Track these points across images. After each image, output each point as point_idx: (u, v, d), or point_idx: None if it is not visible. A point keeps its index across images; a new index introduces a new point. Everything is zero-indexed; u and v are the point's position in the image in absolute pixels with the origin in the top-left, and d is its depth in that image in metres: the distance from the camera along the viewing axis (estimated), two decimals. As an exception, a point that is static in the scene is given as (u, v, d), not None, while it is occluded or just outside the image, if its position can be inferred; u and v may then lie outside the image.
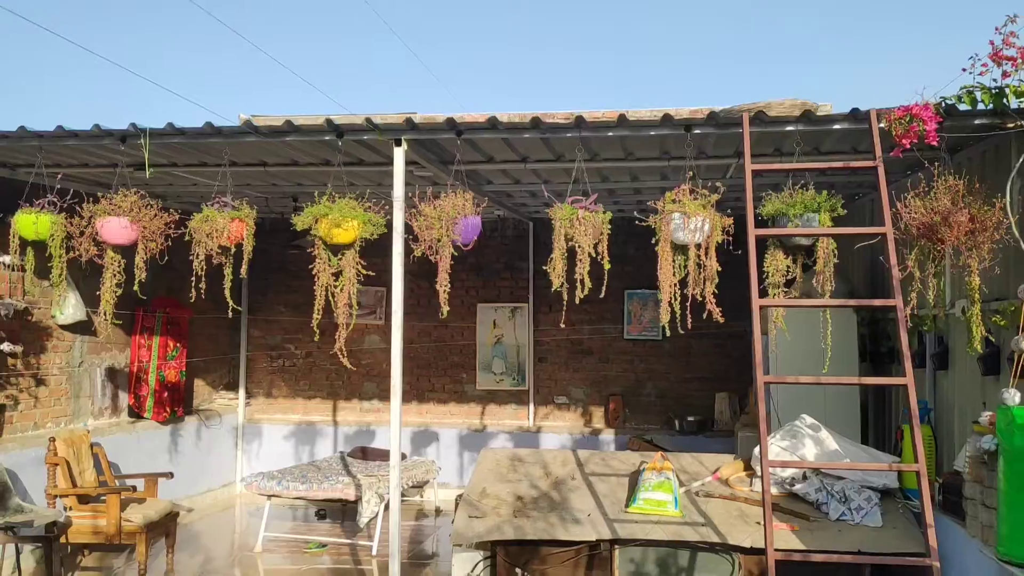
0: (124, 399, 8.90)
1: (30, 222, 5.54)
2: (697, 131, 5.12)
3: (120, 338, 8.75)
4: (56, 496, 6.84)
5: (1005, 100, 4.42)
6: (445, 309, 5.10)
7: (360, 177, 6.82)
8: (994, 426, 4.42)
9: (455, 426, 10.38)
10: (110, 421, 8.63)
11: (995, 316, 4.71)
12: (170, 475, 7.79)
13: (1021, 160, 4.43)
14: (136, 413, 8.90)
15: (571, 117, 5.35)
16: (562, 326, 7.68)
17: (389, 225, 5.36)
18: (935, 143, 4.25)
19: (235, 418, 10.64)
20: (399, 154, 5.27)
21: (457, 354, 10.58)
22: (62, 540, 6.63)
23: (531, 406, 10.37)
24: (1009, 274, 4.70)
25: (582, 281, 4.96)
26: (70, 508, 6.85)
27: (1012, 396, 4.35)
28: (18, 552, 6.57)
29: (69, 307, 7.77)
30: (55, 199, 5.70)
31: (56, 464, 6.91)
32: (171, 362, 9.16)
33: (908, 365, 4.19)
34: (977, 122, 4.66)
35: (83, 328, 8.09)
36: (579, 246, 5.00)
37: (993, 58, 4.41)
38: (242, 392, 10.81)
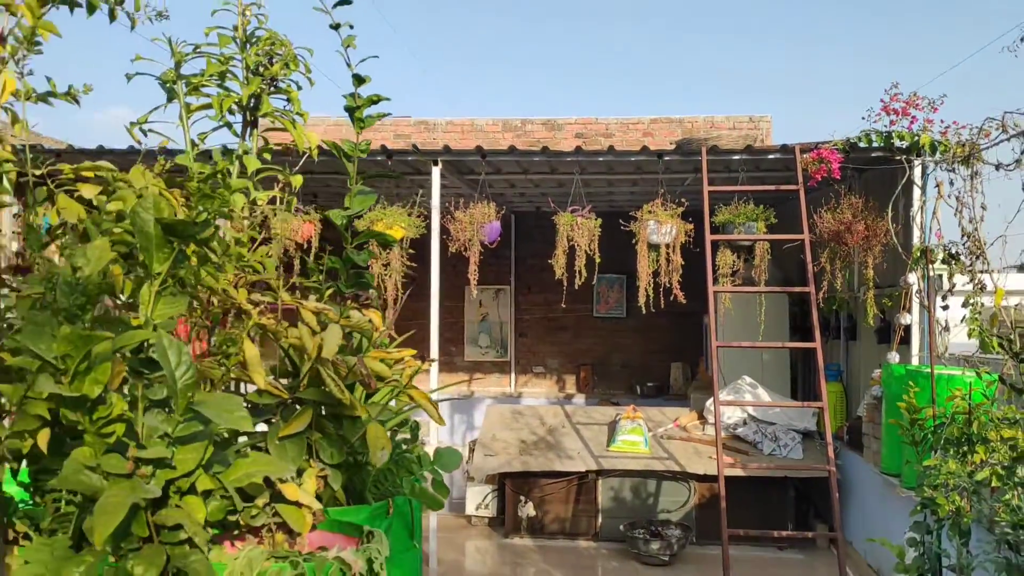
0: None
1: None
2: (667, 157, 6.68)
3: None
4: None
5: (891, 141, 6.08)
6: (475, 292, 6.61)
7: (402, 187, 8.27)
8: (881, 380, 6.13)
9: (446, 392, 11.90)
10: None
11: (885, 299, 6.40)
12: None
13: (901, 185, 6.10)
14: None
15: (573, 146, 6.87)
16: (563, 305, 9.19)
17: (427, 227, 6.84)
18: (838, 176, 5.89)
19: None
20: (436, 172, 6.74)
21: (448, 330, 12.06)
22: None
23: (512, 375, 11.95)
24: (895, 268, 6.38)
25: (579, 271, 6.52)
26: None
27: (893, 357, 6.05)
28: None
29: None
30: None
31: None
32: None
33: (817, 335, 5.85)
34: (873, 155, 6.30)
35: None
36: (577, 244, 6.56)
37: (883, 110, 6.08)
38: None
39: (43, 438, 1.41)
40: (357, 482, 1.87)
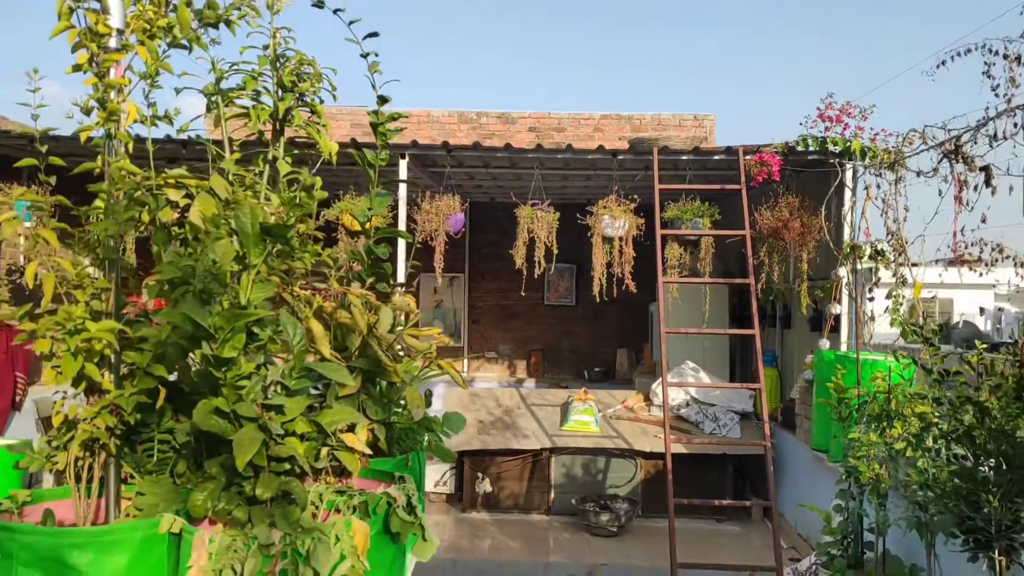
0: None
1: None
2: (620, 156, 7.14)
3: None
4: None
5: (826, 145, 6.64)
6: (439, 279, 6.99)
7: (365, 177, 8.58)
8: (813, 364, 6.70)
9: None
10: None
11: (817, 291, 6.97)
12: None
13: (834, 186, 6.67)
14: None
15: (532, 144, 7.28)
16: (522, 294, 9.59)
17: (393, 217, 7.18)
18: (778, 178, 6.42)
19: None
20: (403, 165, 7.09)
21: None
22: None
23: (466, 360, 12.35)
24: (827, 262, 6.95)
25: (538, 261, 6.95)
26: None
27: (824, 343, 6.62)
28: None
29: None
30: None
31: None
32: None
33: (756, 322, 6.38)
34: (809, 158, 6.85)
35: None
36: (536, 236, 6.98)
37: (819, 117, 6.62)
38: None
39: (161, 395, 1.78)
40: (386, 438, 2.26)
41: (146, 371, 1.73)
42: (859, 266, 6.17)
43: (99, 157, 1.89)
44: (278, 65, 2.59)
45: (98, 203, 1.89)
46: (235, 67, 2.64)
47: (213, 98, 2.55)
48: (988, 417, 3.18)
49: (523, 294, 12.10)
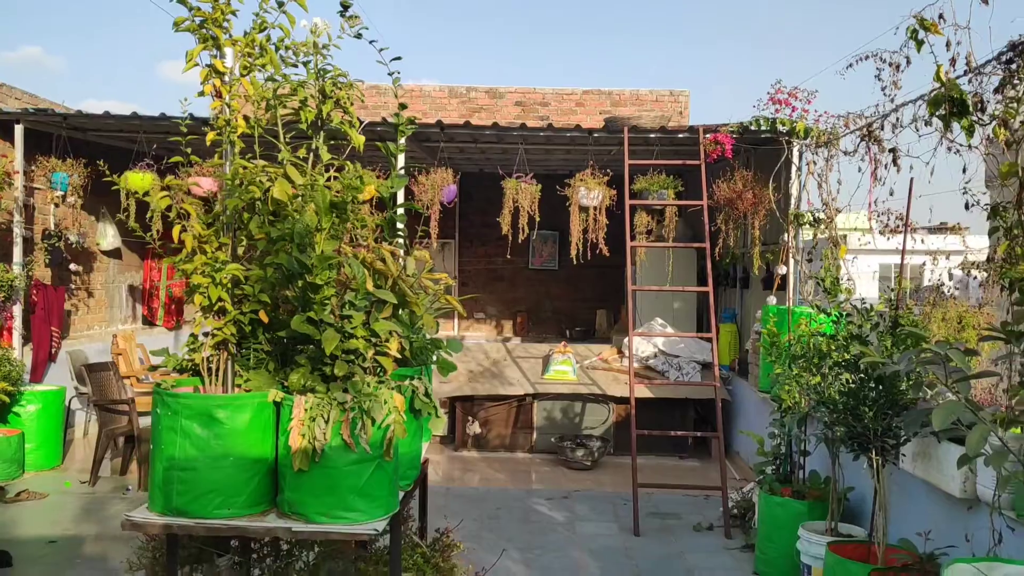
0: (139, 310, 11.24)
1: (138, 178, 7.93)
2: (596, 134, 8.01)
3: (135, 262, 11.04)
4: (123, 377, 9.27)
5: (776, 125, 7.53)
6: (435, 245, 7.88)
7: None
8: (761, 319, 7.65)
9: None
10: (131, 327, 10.97)
11: (768, 254, 7.91)
12: (156, 369, 10.28)
13: (781, 162, 7.57)
14: (149, 321, 11.26)
15: (515, 123, 8.13)
16: (508, 258, 10.48)
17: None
18: (730, 156, 7.31)
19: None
20: (401, 141, 7.92)
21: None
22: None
23: (456, 320, 13.27)
24: (776, 229, 7.88)
25: (522, 228, 7.84)
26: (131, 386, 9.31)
27: (771, 299, 7.58)
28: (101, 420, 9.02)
29: (109, 237, 10.05)
30: (151, 161, 8.10)
31: (119, 354, 9.34)
32: (177, 281, 11.52)
33: (710, 281, 7.31)
34: (761, 136, 7.75)
35: (115, 254, 10.39)
36: (520, 206, 7.87)
37: (770, 100, 7.51)
38: (218, 308, 13.21)
39: (264, 315, 2.68)
40: (410, 349, 3.17)
41: (257, 298, 2.64)
42: (800, 232, 7.10)
43: (216, 155, 2.78)
44: (321, 78, 3.47)
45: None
46: (287, 80, 3.52)
47: (273, 102, 3.43)
48: (866, 348, 4.12)
49: (509, 258, 13.02)
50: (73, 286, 9.56)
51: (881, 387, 4.21)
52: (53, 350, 8.87)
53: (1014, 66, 3.84)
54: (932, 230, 7.39)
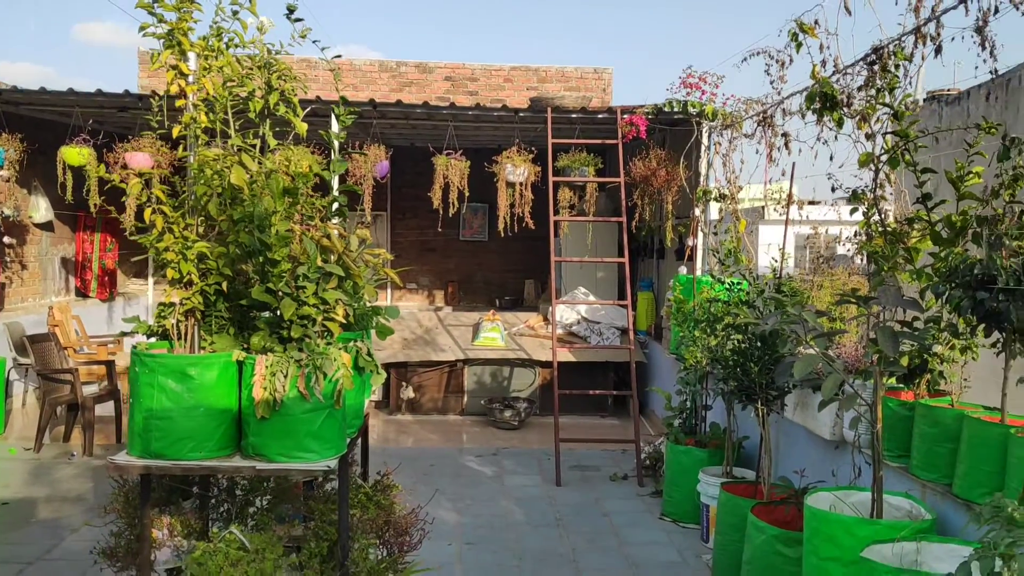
0: (72, 282, 11.34)
1: (75, 153, 8.11)
2: (521, 114, 8.48)
3: (67, 234, 11.13)
4: (64, 348, 9.46)
5: (687, 108, 8.11)
6: (369, 218, 8.28)
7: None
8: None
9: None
10: (65, 299, 11.08)
11: (680, 227, 8.53)
12: (127, 334, 10.48)
13: (691, 141, 8.18)
14: (82, 293, 11.38)
15: (447, 100, 8.55)
16: (439, 230, 10.89)
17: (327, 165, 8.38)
18: (644, 137, 7.88)
19: (146, 299, 13.20)
20: (334, 119, 8.26)
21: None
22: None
23: (389, 290, 13.68)
24: (687, 204, 8.50)
25: (452, 202, 8.30)
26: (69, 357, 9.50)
27: (682, 269, 8.21)
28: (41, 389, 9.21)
29: (41, 210, 10.14)
30: (87, 136, 8.28)
31: (56, 326, 9.51)
32: (109, 253, 11.64)
33: (626, 253, 7.90)
34: (674, 118, 8.33)
35: (48, 226, 10.48)
36: (451, 181, 8.32)
37: (682, 84, 8.09)
38: (151, 279, 13.33)
39: (226, 286, 3.11)
40: (354, 316, 3.63)
41: (221, 271, 3.06)
42: (708, 207, 7.73)
43: (180, 147, 3.18)
44: (267, 71, 3.86)
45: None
46: (239, 75, 3.88)
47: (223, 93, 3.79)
48: (744, 311, 4.74)
49: (440, 231, 13.44)
50: (7, 259, 9.66)
51: (764, 345, 4.84)
52: (-11, 322, 9.00)
53: (875, 67, 4.45)
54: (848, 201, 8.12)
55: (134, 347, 3.02)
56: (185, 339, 3.12)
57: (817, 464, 5.00)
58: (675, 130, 8.94)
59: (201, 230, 3.23)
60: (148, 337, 3.34)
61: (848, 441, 4.54)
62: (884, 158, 3.79)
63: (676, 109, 8.10)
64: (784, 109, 5.81)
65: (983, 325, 3.58)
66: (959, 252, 3.66)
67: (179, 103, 3.15)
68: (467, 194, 8.36)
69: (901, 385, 4.10)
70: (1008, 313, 3.39)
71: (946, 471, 3.84)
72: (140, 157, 8.12)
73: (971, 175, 3.65)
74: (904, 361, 3.77)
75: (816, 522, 3.70)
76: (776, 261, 5.20)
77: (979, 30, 3.93)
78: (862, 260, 6.26)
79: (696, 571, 5.14)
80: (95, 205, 8.40)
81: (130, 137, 8.35)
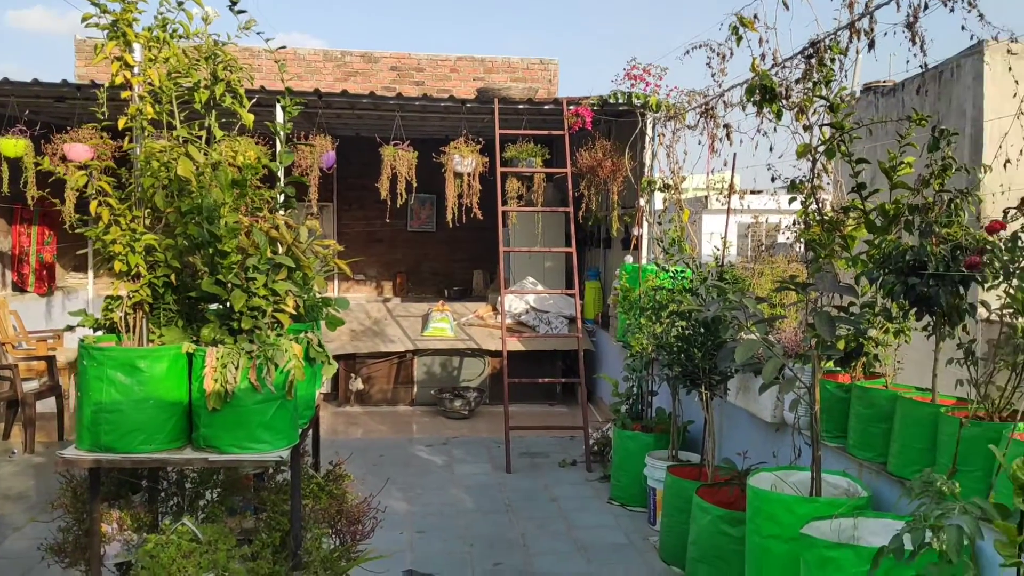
0: (9, 276, 11.04)
1: (11, 144, 7.91)
2: (468, 104, 8.51)
3: (3, 227, 10.83)
4: (1, 344, 9.22)
5: (632, 99, 8.22)
6: (315, 209, 8.23)
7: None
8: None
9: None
10: (1, 293, 10.79)
11: (626, 217, 8.65)
12: (73, 328, 10.26)
13: (636, 132, 8.29)
14: (20, 287, 11.09)
15: (393, 90, 8.52)
16: (387, 221, 10.82)
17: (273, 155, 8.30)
18: (590, 128, 7.97)
19: (86, 293, 12.91)
20: (279, 109, 8.19)
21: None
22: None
23: (336, 281, 13.59)
24: (632, 194, 8.62)
25: (400, 193, 8.29)
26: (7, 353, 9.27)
27: (628, 258, 8.33)
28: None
29: (-25, 202, 9.85)
30: (23, 127, 8.07)
31: (-8, 321, 9.26)
32: (47, 247, 11.36)
33: (573, 243, 7.99)
34: (620, 109, 8.44)
35: (-18, 219, 10.19)
36: (398, 172, 8.31)
37: (627, 76, 8.20)
38: (91, 273, 13.04)
39: (174, 278, 3.10)
40: (304, 307, 3.64)
41: (169, 264, 3.05)
42: (652, 197, 7.85)
43: (125, 138, 3.16)
44: (212, 62, 3.83)
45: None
46: (184, 66, 3.86)
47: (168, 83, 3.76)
48: (687, 298, 4.85)
49: (388, 222, 13.39)
50: (-60, 253, 9.38)
51: (707, 332, 4.96)
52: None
53: (812, 60, 4.59)
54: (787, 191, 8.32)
55: (81, 340, 3.00)
56: (133, 332, 3.10)
57: (759, 446, 5.15)
58: (620, 121, 9.05)
59: (148, 222, 3.21)
60: (94, 330, 3.30)
61: (788, 423, 4.69)
62: (821, 149, 3.92)
63: (621, 100, 8.20)
64: (725, 101, 5.95)
65: (915, 309, 3.74)
66: (892, 239, 3.81)
67: (124, 94, 3.12)
68: (415, 185, 8.36)
69: (838, 368, 4.24)
70: (938, 297, 3.55)
71: (881, 450, 4.00)
72: (79, 148, 7.94)
73: (903, 165, 3.80)
74: (841, 345, 3.91)
75: (758, 501, 3.83)
76: (719, 249, 5.33)
77: (910, 26, 4.09)
78: (801, 248, 6.44)
79: (643, 553, 5.26)
80: (33, 198, 8.20)
81: (68, 128, 8.16)
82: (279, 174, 4.08)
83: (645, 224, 8.26)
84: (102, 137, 8.10)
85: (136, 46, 3.10)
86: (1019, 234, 3.16)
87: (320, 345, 3.41)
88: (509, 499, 6.28)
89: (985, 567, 2.93)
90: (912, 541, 2.42)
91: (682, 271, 5.47)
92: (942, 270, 3.51)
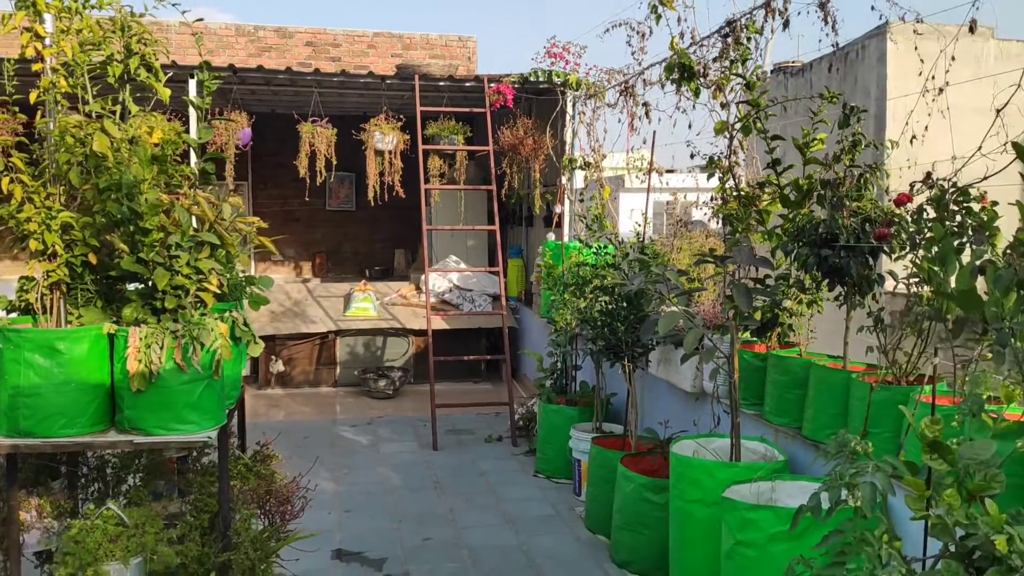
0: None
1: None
2: (388, 81, 8.42)
3: None
4: None
5: (552, 77, 8.28)
6: (231, 185, 8.04)
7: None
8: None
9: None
10: None
11: (548, 195, 8.73)
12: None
13: (557, 111, 8.36)
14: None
15: (309, 66, 8.37)
16: (306, 199, 10.65)
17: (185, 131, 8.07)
18: (511, 106, 8.00)
19: (-13, 279, 12.33)
20: (192, 84, 7.97)
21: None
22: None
23: (253, 262, 13.31)
24: (553, 172, 8.70)
25: (320, 171, 8.17)
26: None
27: (551, 236, 8.42)
28: None
29: None
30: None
31: None
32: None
33: (496, 220, 8.03)
34: (540, 87, 8.48)
35: None
36: (317, 150, 8.18)
37: (547, 54, 8.24)
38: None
39: (92, 257, 3.01)
40: (228, 286, 3.58)
41: (87, 242, 2.96)
42: (573, 175, 7.95)
43: (38, 113, 3.04)
44: (126, 34, 3.71)
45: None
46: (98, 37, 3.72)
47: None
48: (612, 273, 4.95)
49: (306, 200, 13.17)
50: None
51: (630, 305, 5.08)
52: None
53: (729, 39, 4.71)
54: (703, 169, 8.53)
55: (-7, 323, 2.89)
56: (51, 314, 3.00)
57: (680, 415, 5.31)
58: (541, 99, 9.10)
59: (64, 200, 3.10)
60: (8, 312, 3.19)
61: (707, 392, 4.85)
62: (738, 126, 4.05)
63: (541, 78, 8.24)
64: (645, 79, 6.06)
65: (827, 280, 3.91)
66: (805, 213, 3.97)
67: (36, 67, 3.00)
68: (335, 162, 8.25)
69: (755, 338, 4.40)
70: (849, 268, 3.72)
71: (796, 415, 4.18)
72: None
73: (815, 141, 3.96)
74: (757, 316, 4.06)
75: (681, 468, 3.96)
76: (639, 225, 5.45)
77: (822, 5, 4.24)
78: (718, 223, 6.63)
79: (569, 523, 5.38)
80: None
81: None
82: (193, 151, 3.99)
83: (567, 202, 8.35)
84: (13, 112, 7.72)
85: (47, 16, 2.98)
86: (925, 207, 3.33)
87: (246, 324, 3.36)
88: (437, 476, 6.32)
89: (897, 522, 3.11)
90: (829, 499, 2.55)
91: (604, 247, 5.58)
92: (853, 242, 3.67)
